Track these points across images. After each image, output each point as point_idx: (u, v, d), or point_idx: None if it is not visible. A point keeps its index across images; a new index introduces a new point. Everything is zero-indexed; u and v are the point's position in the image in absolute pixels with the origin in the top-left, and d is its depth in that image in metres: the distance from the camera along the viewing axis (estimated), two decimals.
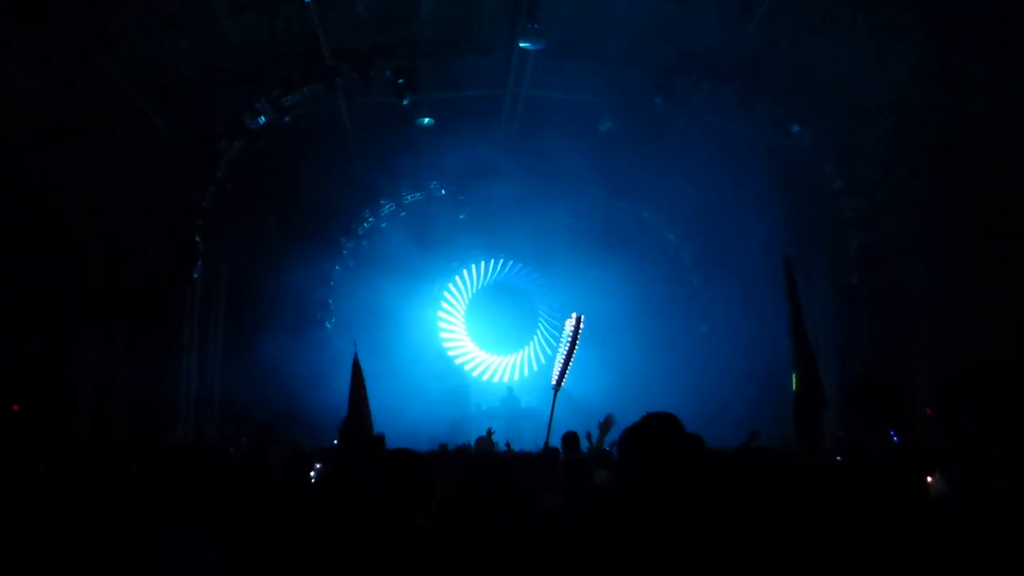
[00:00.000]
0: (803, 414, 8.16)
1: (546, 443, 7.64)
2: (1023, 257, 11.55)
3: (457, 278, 21.06)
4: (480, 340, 21.23)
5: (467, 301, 21.33)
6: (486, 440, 9.82)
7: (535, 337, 21.46)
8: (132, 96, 13.67)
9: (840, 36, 12.13)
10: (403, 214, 19.38)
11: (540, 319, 21.57)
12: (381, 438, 4.58)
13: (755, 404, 15.08)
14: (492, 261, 21.19)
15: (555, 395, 7.98)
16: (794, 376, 8.32)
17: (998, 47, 10.88)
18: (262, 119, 14.31)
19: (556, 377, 8.17)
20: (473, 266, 21.14)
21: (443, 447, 10.14)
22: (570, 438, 9.10)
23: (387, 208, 19.24)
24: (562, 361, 8.17)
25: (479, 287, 21.36)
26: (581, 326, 8.11)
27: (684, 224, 19.50)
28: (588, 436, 9.27)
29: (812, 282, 15.64)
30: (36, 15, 11.06)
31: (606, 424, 8.73)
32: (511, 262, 21.22)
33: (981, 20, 10.69)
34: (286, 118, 14.55)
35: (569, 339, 8.13)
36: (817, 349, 9.74)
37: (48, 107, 13.28)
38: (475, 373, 20.87)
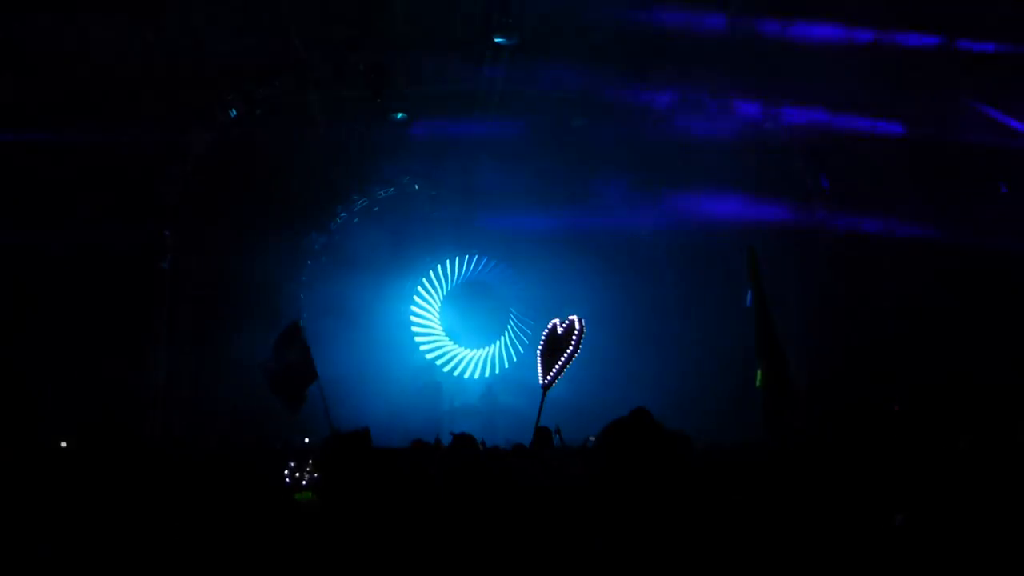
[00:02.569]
0: (771, 410, 8.17)
1: (532, 442, 7.70)
2: (992, 257, 11.69)
3: (431, 273, 20.94)
4: (453, 336, 21.14)
5: (441, 297, 21.23)
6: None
7: (508, 334, 21.39)
8: (100, 87, 13.45)
9: (813, 36, 12.21)
10: (375, 209, 19.25)
11: (513, 316, 21.49)
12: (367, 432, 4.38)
13: (729, 401, 15.13)
14: (465, 257, 21.10)
15: (544, 395, 8.02)
16: (758, 372, 8.29)
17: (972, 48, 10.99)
18: (233, 112, 14.13)
19: (549, 377, 8.21)
20: (447, 261, 21.03)
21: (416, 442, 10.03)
22: (543, 433, 9.08)
23: (360, 203, 19.10)
24: (560, 363, 8.19)
25: (453, 284, 21.25)
26: (584, 329, 8.16)
27: (657, 221, 19.52)
28: (558, 431, 9.29)
29: (785, 281, 15.72)
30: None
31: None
32: (484, 259, 21.12)
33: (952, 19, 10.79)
34: (258, 111, 14.39)
35: (573, 342, 8.17)
36: (788, 346, 9.76)
37: (14, 98, 13.04)
38: (446, 368, 20.77)
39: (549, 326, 8.65)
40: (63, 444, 9.11)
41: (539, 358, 8.63)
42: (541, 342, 8.65)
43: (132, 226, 14.28)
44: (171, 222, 14.34)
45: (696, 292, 18.50)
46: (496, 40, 13.12)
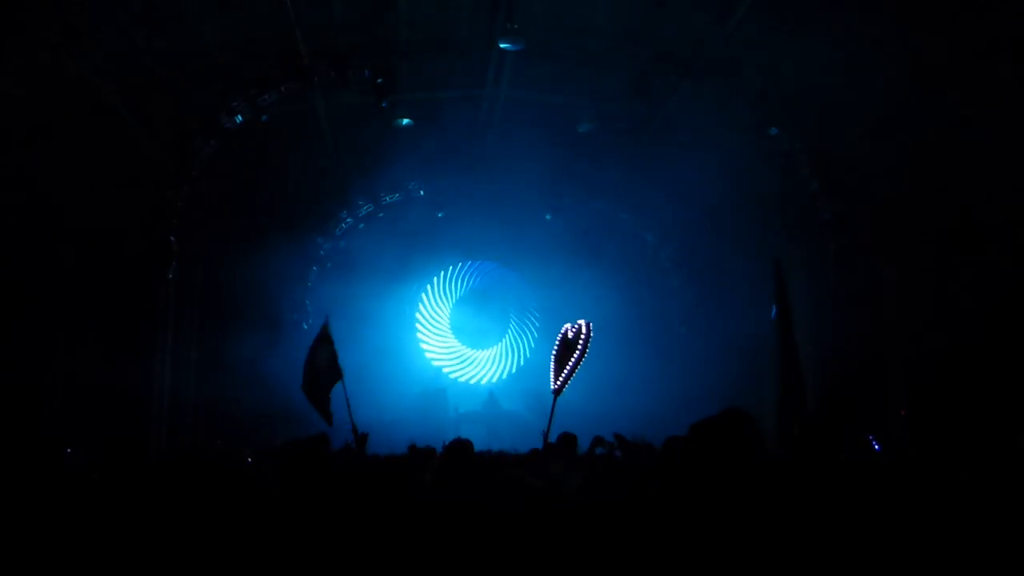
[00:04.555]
0: (784, 417, 8.13)
1: (544, 447, 7.64)
2: (995, 258, 11.63)
3: (436, 279, 20.96)
4: (465, 340, 21.15)
5: (446, 304, 21.23)
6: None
7: (514, 339, 21.40)
8: (105, 94, 13.50)
9: (817, 39, 12.19)
10: (381, 215, 19.28)
11: (518, 321, 21.50)
12: (324, 437, 4.22)
13: (732, 405, 15.05)
14: (470, 263, 21.11)
15: (555, 400, 8.01)
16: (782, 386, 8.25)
17: (972, 49, 10.95)
18: (239, 118, 14.16)
19: (559, 382, 8.19)
20: (451, 268, 21.05)
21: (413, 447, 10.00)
22: (568, 439, 8.94)
23: (365, 209, 19.13)
24: (569, 367, 8.16)
25: (459, 294, 21.25)
26: (591, 333, 8.12)
27: (662, 225, 19.53)
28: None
29: (789, 284, 15.65)
30: (5, 10, 10.86)
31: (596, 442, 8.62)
32: (488, 264, 21.12)
33: (955, 22, 10.76)
34: (263, 117, 14.42)
35: (580, 346, 8.13)
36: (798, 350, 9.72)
37: (19, 104, 13.08)
38: (453, 375, 20.77)
39: (562, 330, 8.63)
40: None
41: (552, 363, 8.62)
42: (555, 347, 8.63)
43: (138, 233, 14.32)
44: (177, 229, 14.36)
45: (701, 297, 18.49)
46: (501, 46, 13.12)
